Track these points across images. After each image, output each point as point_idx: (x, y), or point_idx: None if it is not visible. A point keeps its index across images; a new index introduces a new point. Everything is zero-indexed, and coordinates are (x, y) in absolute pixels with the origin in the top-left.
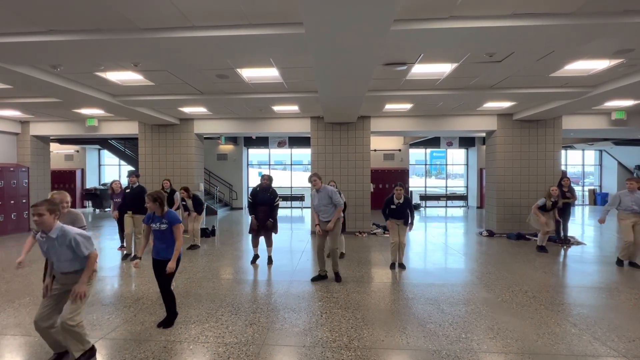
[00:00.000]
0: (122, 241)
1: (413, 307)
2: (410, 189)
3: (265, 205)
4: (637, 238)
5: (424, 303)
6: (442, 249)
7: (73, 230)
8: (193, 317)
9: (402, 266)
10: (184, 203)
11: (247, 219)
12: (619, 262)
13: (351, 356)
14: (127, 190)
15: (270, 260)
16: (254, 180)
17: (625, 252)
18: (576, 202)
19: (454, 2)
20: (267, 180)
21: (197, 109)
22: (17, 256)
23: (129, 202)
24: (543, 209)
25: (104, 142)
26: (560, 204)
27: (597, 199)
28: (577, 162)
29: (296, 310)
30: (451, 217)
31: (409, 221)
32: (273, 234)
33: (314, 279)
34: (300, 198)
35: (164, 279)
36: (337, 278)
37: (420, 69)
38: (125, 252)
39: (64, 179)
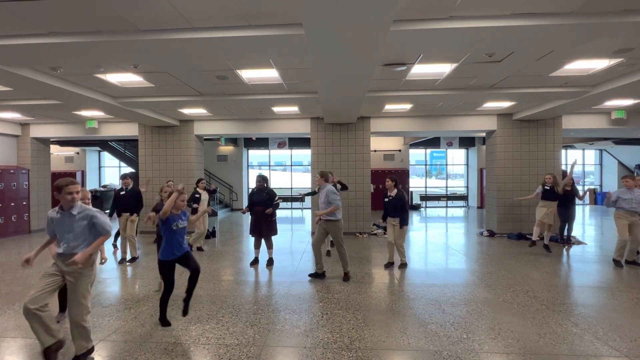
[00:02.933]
0: (115, 240)
1: (414, 307)
2: (410, 189)
3: (261, 206)
4: (635, 237)
5: (425, 303)
6: (442, 250)
7: (93, 208)
8: (194, 319)
9: (402, 265)
10: (197, 196)
11: (248, 220)
12: (616, 263)
13: (352, 357)
14: (122, 193)
15: (271, 262)
16: (254, 182)
17: (620, 252)
18: (577, 201)
19: (454, 2)
20: (260, 181)
21: (197, 111)
22: (17, 258)
23: (124, 204)
24: (545, 198)
25: (104, 144)
26: (560, 190)
27: (598, 198)
28: (577, 162)
29: (297, 311)
30: (451, 218)
31: (401, 221)
32: (273, 236)
33: (311, 275)
34: (301, 199)
35: (192, 265)
36: (345, 278)
37: (420, 70)
38: (121, 256)
39: None
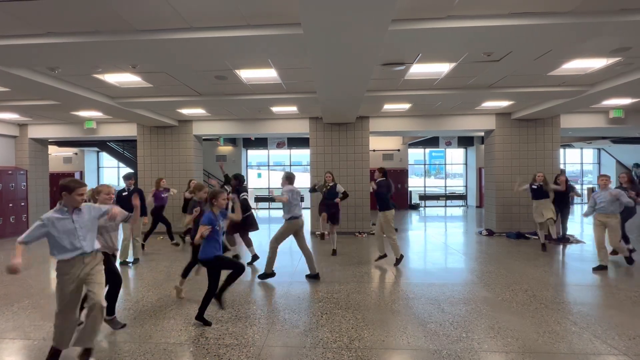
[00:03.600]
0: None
1: (413, 306)
2: (409, 188)
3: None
4: (610, 241)
5: (425, 303)
6: (442, 249)
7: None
8: (193, 319)
9: (396, 262)
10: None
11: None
12: (600, 267)
13: (352, 357)
14: (124, 194)
15: (254, 259)
16: (252, 182)
17: (600, 254)
18: (576, 199)
19: (452, 1)
20: (232, 179)
21: (196, 111)
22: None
23: (127, 205)
24: (535, 197)
25: (102, 145)
26: (551, 190)
27: None
28: (575, 160)
29: (296, 311)
30: (450, 217)
31: (379, 204)
32: (251, 232)
33: (308, 277)
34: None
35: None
36: (261, 276)
37: (419, 69)
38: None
39: None
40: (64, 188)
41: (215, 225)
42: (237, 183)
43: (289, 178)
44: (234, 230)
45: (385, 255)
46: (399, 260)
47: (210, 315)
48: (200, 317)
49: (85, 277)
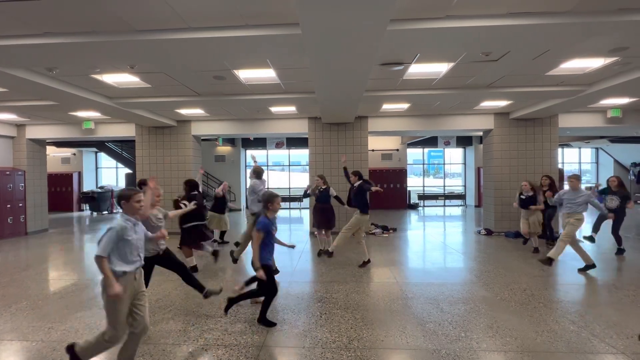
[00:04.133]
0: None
1: (412, 306)
2: (408, 188)
3: None
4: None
5: (424, 302)
6: (440, 248)
7: None
8: (192, 320)
9: (362, 264)
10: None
11: (245, 220)
12: (587, 267)
13: (351, 357)
14: None
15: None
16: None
17: (583, 256)
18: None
19: (450, 1)
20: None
21: (194, 111)
22: (14, 260)
23: None
24: (522, 206)
25: (100, 145)
26: (541, 202)
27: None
28: (573, 160)
29: (295, 311)
30: (449, 216)
31: (359, 207)
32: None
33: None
34: (299, 199)
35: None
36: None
37: (417, 69)
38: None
39: (60, 183)
40: (122, 197)
41: (271, 230)
42: (189, 189)
43: (256, 172)
44: (190, 242)
45: (326, 251)
46: (365, 262)
47: (209, 315)
48: (262, 319)
49: (134, 294)
